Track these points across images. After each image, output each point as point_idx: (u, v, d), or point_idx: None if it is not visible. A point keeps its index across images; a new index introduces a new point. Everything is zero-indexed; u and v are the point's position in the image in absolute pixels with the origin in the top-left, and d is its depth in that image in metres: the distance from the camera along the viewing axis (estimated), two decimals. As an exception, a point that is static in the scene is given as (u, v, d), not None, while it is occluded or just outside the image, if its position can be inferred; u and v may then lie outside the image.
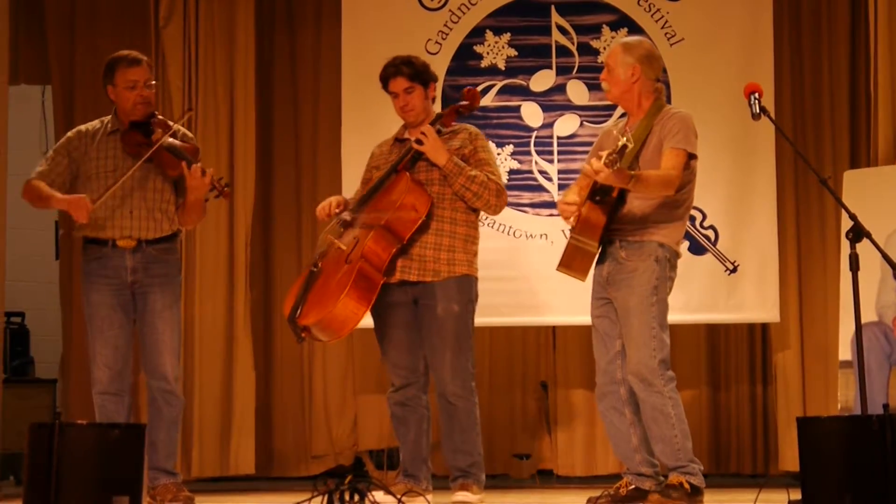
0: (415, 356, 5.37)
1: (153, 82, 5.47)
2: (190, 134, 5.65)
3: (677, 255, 5.09)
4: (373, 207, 5.32)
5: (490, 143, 5.46)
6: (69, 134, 5.57)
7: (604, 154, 4.62)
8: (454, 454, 5.32)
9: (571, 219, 5.06)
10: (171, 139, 5.37)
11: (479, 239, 5.45)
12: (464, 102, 5.46)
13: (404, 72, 5.37)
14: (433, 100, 5.50)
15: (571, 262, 5.04)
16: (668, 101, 6.60)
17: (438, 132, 5.36)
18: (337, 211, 5.42)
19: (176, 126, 5.51)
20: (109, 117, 5.51)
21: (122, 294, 5.39)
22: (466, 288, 5.33)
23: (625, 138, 4.61)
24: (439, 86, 5.72)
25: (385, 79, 5.42)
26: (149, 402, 5.47)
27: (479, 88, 6.85)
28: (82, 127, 5.57)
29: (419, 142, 5.29)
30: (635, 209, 4.98)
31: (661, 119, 5.01)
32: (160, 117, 5.50)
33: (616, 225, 4.99)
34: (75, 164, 5.46)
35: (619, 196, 4.95)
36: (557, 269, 5.14)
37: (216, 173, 5.46)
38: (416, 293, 5.33)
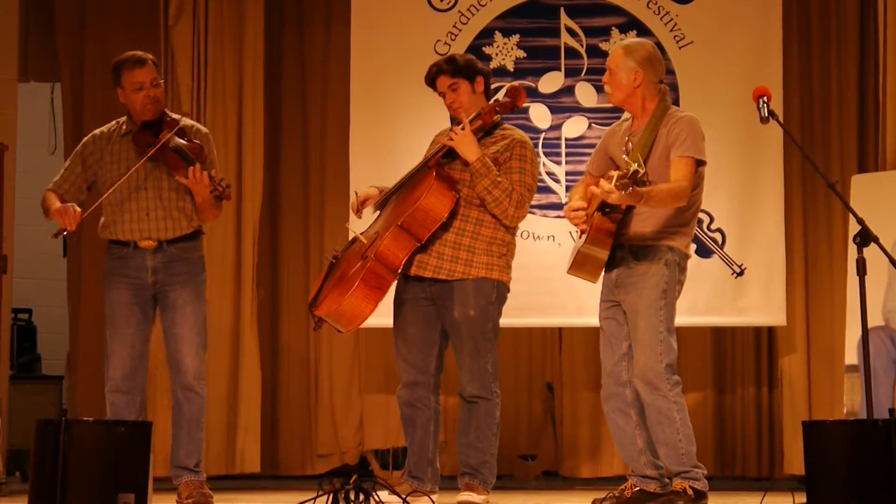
0: (426, 355, 5.34)
1: (160, 80, 5.45)
2: (204, 129, 5.59)
3: (687, 257, 5.08)
4: (398, 202, 5.31)
5: (536, 156, 5.38)
6: (85, 139, 5.57)
7: (614, 176, 4.57)
8: (467, 449, 5.30)
9: (582, 226, 5.04)
10: (177, 139, 5.33)
11: (508, 243, 5.35)
12: (506, 99, 5.38)
13: (445, 69, 5.33)
14: (485, 94, 5.39)
15: (583, 267, 5.04)
16: (677, 103, 6.62)
17: (488, 132, 5.33)
18: (364, 208, 5.43)
19: (185, 122, 5.49)
20: (125, 118, 5.50)
21: (142, 293, 5.40)
22: (485, 291, 5.26)
23: (636, 164, 4.54)
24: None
25: (430, 80, 5.39)
26: (172, 399, 5.49)
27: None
28: (97, 130, 5.56)
29: (451, 138, 5.28)
30: (645, 214, 4.96)
31: (668, 123, 4.98)
32: (172, 116, 5.48)
33: (626, 230, 4.98)
34: (90, 171, 5.48)
35: (628, 206, 4.94)
36: (568, 273, 5.14)
37: (219, 174, 5.45)
38: (432, 292, 5.29)
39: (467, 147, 5.23)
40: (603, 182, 4.66)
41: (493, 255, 5.29)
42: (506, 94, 5.41)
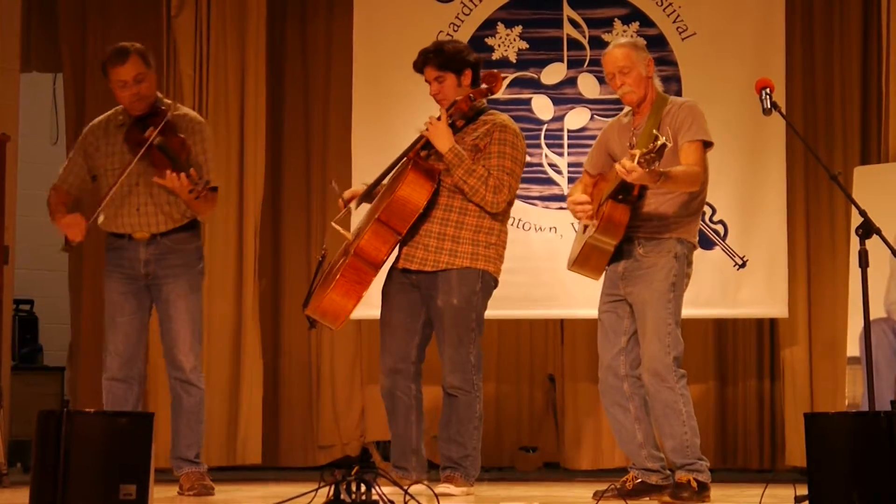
0: (408, 344, 5.35)
1: (148, 73, 5.30)
2: (198, 118, 5.50)
3: (694, 247, 5.09)
4: (382, 196, 5.33)
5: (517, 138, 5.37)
6: (85, 130, 5.56)
7: (637, 153, 4.55)
8: (448, 444, 5.30)
9: (586, 220, 5.03)
10: (164, 136, 5.21)
11: (497, 231, 5.33)
12: (483, 86, 5.38)
13: (433, 61, 5.33)
14: (475, 84, 5.37)
15: (587, 262, 5.03)
16: (679, 94, 6.61)
17: (472, 119, 5.32)
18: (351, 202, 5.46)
19: (179, 112, 5.41)
20: (121, 107, 5.46)
21: (136, 283, 5.41)
22: (469, 280, 5.26)
23: (664, 137, 4.55)
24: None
25: (418, 67, 5.39)
26: (170, 392, 5.49)
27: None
28: (96, 120, 5.55)
29: (427, 128, 5.29)
30: (654, 205, 4.96)
31: (669, 112, 4.99)
32: (164, 106, 5.39)
33: (634, 222, 4.95)
34: (91, 160, 5.47)
35: (639, 193, 4.93)
36: (570, 269, 5.13)
37: (210, 165, 5.40)
38: (418, 280, 5.32)
39: (440, 138, 5.24)
40: (625, 160, 4.62)
41: (480, 244, 5.29)
42: (483, 81, 5.41)
